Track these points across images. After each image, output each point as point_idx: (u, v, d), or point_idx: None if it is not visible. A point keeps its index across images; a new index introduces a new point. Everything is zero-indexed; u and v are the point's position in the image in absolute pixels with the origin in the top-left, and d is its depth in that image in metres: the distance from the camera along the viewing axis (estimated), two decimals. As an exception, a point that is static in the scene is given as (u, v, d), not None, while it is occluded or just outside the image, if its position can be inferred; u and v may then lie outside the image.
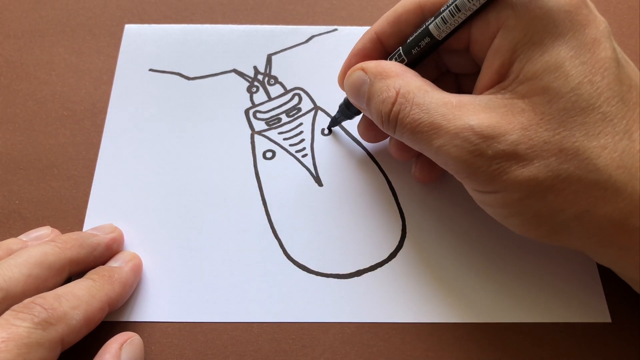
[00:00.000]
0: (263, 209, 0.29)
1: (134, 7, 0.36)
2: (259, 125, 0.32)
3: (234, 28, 0.35)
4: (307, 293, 0.27)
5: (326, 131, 0.32)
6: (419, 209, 0.29)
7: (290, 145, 0.31)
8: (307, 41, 0.35)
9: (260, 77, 0.33)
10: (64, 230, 0.28)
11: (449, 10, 0.23)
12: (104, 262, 0.26)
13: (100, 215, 0.29)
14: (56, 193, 0.29)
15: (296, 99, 0.33)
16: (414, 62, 0.25)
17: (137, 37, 0.35)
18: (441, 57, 0.27)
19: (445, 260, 0.27)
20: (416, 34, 0.24)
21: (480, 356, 0.25)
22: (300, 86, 0.33)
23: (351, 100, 0.27)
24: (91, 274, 0.25)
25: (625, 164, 0.20)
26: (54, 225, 0.28)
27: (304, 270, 0.27)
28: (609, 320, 0.26)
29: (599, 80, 0.20)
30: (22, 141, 0.31)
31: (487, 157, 0.21)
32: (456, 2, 0.22)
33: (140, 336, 0.25)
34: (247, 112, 0.32)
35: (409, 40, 0.25)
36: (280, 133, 0.31)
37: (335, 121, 0.31)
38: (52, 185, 0.30)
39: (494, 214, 0.23)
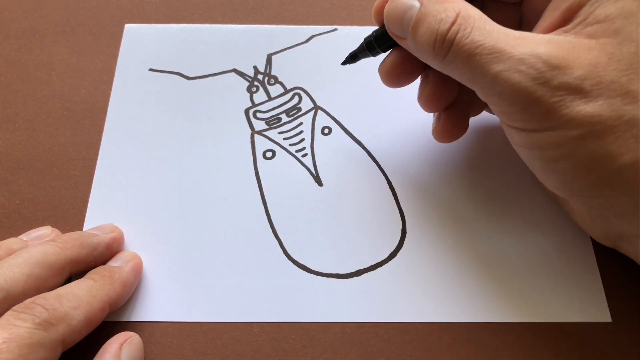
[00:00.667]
0: (263, 209, 0.29)
1: (134, 7, 0.36)
2: (259, 125, 0.32)
3: (234, 28, 0.35)
4: (307, 293, 0.27)
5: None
6: (419, 209, 0.29)
7: (290, 145, 0.31)
8: (307, 41, 0.35)
9: (260, 76, 0.33)
10: (64, 230, 0.28)
11: None
12: (104, 262, 0.26)
13: (100, 215, 0.29)
14: (56, 193, 0.29)
15: (296, 98, 0.33)
16: None
17: (137, 36, 0.35)
18: (484, 9, 0.25)
19: (446, 260, 0.27)
20: None
21: (480, 356, 0.25)
22: (300, 86, 0.33)
23: (391, 27, 0.25)
24: (92, 274, 0.25)
25: None
26: (54, 225, 0.28)
27: (304, 270, 0.27)
28: (609, 320, 0.26)
29: None
30: (22, 141, 0.31)
31: (551, 86, 0.20)
32: None
33: (141, 336, 0.25)
34: (247, 111, 0.32)
35: None
36: (280, 133, 0.31)
37: (354, 56, 0.28)
38: (52, 185, 0.30)
39: (540, 158, 0.22)
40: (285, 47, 0.34)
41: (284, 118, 0.32)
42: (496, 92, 0.22)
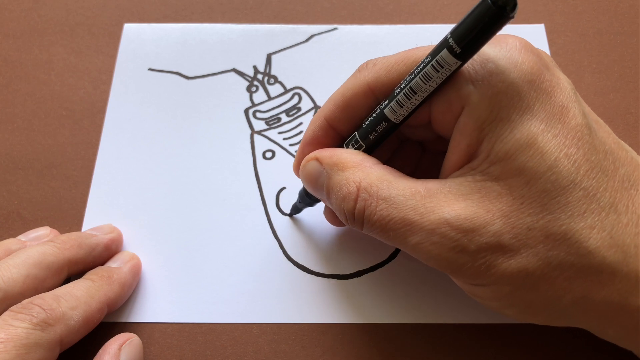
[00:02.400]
0: (263, 209, 0.29)
1: (133, 7, 0.36)
2: (259, 125, 0.32)
3: (234, 27, 0.35)
4: (307, 294, 0.26)
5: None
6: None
7: (290, 145, 0.31)
8: (307, 40, 0.34)
9: (260, 76, 0.33)
10: (62, 230, 0.28)
11: (404, 93, 0.21)
12: (102, 263, 0.26)
13: (99, 216, 0.29)
14: (55, 193, 0.29)
15: (296, 98, 0.33)
16: (373, 147, 0.23)
17: (136, 36, 0.34)
18: (400, 131, 0.25)
19: (446, 261, 0.27)
20: (371, 118, 0.22)
21: (480, 356, 0.25)
22: (300, 85, 0.33)
23: (310, 191, 0.25)
24: (90, 274, 0.25)
25: (616, 242, 0.19)
26: (52, 225, 0.28)
27: (303, 270, 0.27)
28: (610, 320, 0.26)
29: (574, 152, 0.19)
30: (21, 141, 0.31)
31: (470, 252, 0.19)
32: (410, 84, 0.20)
33: (140, 337, 0.25)
34: (246, 111, 0.32)
35: (364, 125, 0.23)
36: (280, 133, 0.31)
37: (296, 209, 0.28)
38: (51, 185, 0.30)
39: (486, 305, 0.22)
40: (285, 46, 0.34)
41: (284, 118, 0.32)
42: (422, 259, 0.21)
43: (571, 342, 0.25)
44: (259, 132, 0.31)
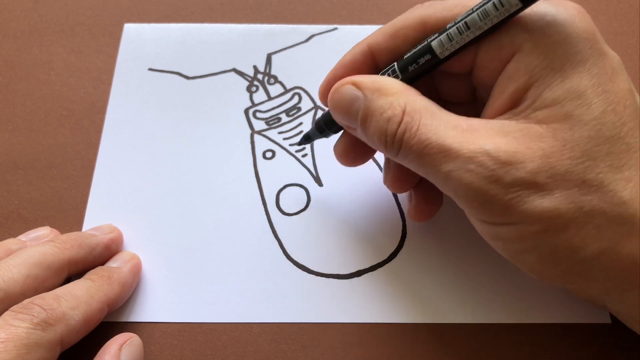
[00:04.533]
0: (263, 209, 0.29)
1: (133, 6, 0.36)
2: (259, 125, 0.32)
3: (234, 27, 0.35)
4: (307, 293, 0.27)
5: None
6: (419, 209, 0.29)
7: (291, 145, 0.31)
8: (307, 40, 0.34)
9: (260, 76, 0.33)
10: (63, 230, 0.28)
11: (457, 28, 0.21)
12: (103, 263, 0.26)
13: (99, 215, 0.29)
14: (55, 193, 0.29)
15: (296, 98, 0.33)
16: (409, 81, 0.23)
17: (136, 36, 0.34)
18: (434, 81, 0.25)
19: (446, 261, 0.27)
20: (416, 49, 0.22)
21: (481, 357, 0.25)
22: (300, 85, 0.33)
23: (337, 117, 0.24)
24: (90, 274, 0.25)
25: None
26: (53, 225, 0.28)
27: (304, 270, 0.27)
28: (608, 321, 0.26)
29: (621, 110, 0.19)
30: (21, 141, 0.31)
31: (504, 184, 0.19)
32: (466, 19, 0.21)
33: (140, 337, 0.25)
34: (246, 111, 0.32)
35: (406, 56, 0.23)
36: (280, 133, 0.31)
37: (308, 138, 0.28)
38: (51, 185, 0.30)
39: (505, 250, 0.22)
40: (285, 46, 0.34)
41: (284, 118, 0.32)
42: (450, 190, 0.21)
43: (571, 342, 0.25)
44: (259, 132, 0.31)
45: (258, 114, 0.32)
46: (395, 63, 0.23)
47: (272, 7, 0.36)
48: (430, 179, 0.22)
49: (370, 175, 0.30)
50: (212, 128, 0.31)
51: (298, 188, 0.30)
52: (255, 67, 0.33)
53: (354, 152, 0.26)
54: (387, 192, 0.29)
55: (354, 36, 0.34)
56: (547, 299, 0.26)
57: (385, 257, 0.27)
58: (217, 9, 0.36)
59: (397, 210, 0.29)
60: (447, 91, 0.25)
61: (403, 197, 0.29)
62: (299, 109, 0.32)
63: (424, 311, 0.26)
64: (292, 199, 0.29)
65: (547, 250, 0.20)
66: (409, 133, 0.21)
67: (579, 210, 0.19)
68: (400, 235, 0.28)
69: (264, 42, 0.34)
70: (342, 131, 0.26)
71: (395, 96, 0.22)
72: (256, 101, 0.32)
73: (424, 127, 0.21)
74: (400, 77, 0.23)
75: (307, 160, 0.30)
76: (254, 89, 0.33)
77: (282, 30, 0.35)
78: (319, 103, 0.32)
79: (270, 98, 0.32)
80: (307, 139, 0.28)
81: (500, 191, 0.19)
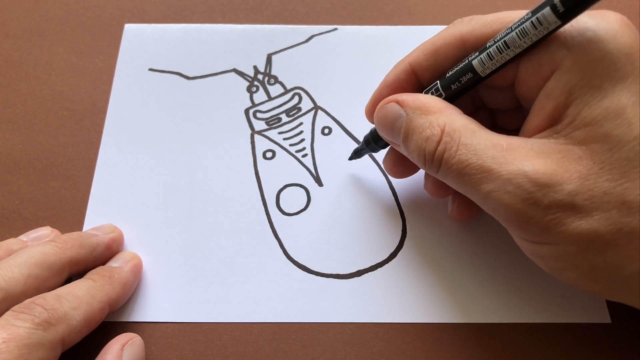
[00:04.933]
0: (263, 209, 0.29)
1: (134, 7, 0.36)
2: (259, 125, 0.32)
3: (234, 27, 0.35)
4: (307, 293, 0.27)
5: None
6: (419, 209, 0.29)
7: (290, 145, 0.31)
8: (307, 41, 0.34)
9: (260, 76, 0.33)
10: (63, 230, 0.28)
11: (497, 46, 0.21)
12: (103, 262, 0.26)
13: (100, 215, 0.29)
14: (56, 193, 0.29)
15: (296, 98, 0.33)
16: (452, 98, 0.23)
17: (136, 36, 0.34)
18: (479, 92, 0.26)
19: (446, 261, 0.27)
20: (457, 68, 0.23)
21: (480, 357, 0.25)
22: (300, 86, 0.33)
23: (382, 134, 0.25)
24: (91, 274, 0.25)
25: None
26: (53, 225, 0.28)
27: (304, 270, 0.27)
28: (608, 320, 0.26)
29: None
30: (22, 141, 0.31)
31: (542, 206, 0.19)
32: (505, 38, 0.21)
33: (141, 336, 0.25)
34: (247, 111, 0.32)
35: (448, 74, 0.23)
36: (280, 133, 0.31)
37: (358, 153, 0.29)
38: (51, 185, 0.30)
39: (546, 267, 0.22)
40: (285, 46, 0.34)
41: (284, 118, 0.32)
42: (490, 209, 0.21)
43: (571, 342, 0.25)
44: (259, 132, 0.31)
45: (258, 114, 0.32)
46: (438, 81, 0.24)
47: (272, 7, 0.36)
48: (471, 197, 0.22)
49: (370, 175, 0.30)
50: (212, 128, 0.31)
51: (298, 188, 0.30)
52: (255, 68, 0.34)
53: (402, 166, 0.27)
54: (387, 192, 0.29)
55: (354, 36, 0.34)
56: (547, 299, 0.26)
57: (385, 257, 0.27)
58: (217, 9, 0.36)
59: (397, 210, 0.29)
60: (492, 101, 0.26)
61: (403, 197, 0.29)
62: (299, 109, 0.32)
63: (424, 311, 0.26)
64: (292, 199, 0.29)
65: (587, 268, 0.20)
66: (448, 153, 0.21)
67: (618, 232, 0.19)
68: (400, 235, 0.28)
69: (264, 42, 0.34)
70: (389, 146, 0.27)
71: (435, 115, 0.22)
72: (256, 101, 0.32)
73: (463, 147, 0.21)
74: (443, 95, 0.23)
75: (307, 160, 0.30)
76: (254, 89, 0.33)
77: (282, 31, 0.35)
78: (319, 103, 0.32)
79: (270, 98, 0.33)
80: (357, 153, 0.29)
81: (538, 213, 0.20)
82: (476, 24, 0.23)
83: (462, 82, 0.23)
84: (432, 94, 0.24)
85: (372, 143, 0.27)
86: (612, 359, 0.25)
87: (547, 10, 0.19)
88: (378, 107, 0.25)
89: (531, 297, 0.26)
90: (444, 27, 0.34)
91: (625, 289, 0.20)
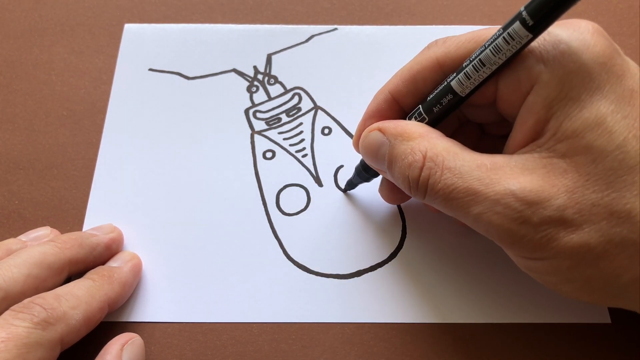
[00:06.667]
0: (263, 209, 0.29)
1: (134, 7, 0.36)
2: (259, 125, 0.32)
3: (234, 27, 0.35)
4: (307, 293, 0.27)
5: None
6: (419, 209, 0.29)
7: (290, 145, 0.31)
8: (307, 40, 0.34)
9: (260, 76, 0.33)
10: (63, 230, 0.28)
11: (473, 65, 0.21)
12: (103, 262, 0.26)
13: (99, 215, 0.29)
14: (56, 193, 0.29)
15: (296, 98, 0.33)
16: (436, 121, 0.23)
17: (136, 36, 0.34)
18: (462, 110, 0.26)
19: (446, 261, 0.27)
20: (437, 91, 0.23)
21: (480, 356, 0.25)
22: (300, 86, 0.33)
23: (369, 162, 0.25)
24: (91, 274, 0.25)
25: None
26: (53, 225, 0.28)
27: (304, 270, 0.27)
28: (608, 321, 0.26)
29: None
30: (22, 141, 0.31)
31: (532, 224, 0.19)
32: (480, 56, 0.21)
33: (140, 336, 0.25)
34: (247, 111, 0.32)
35: (429, 98, 0.23)
36: (280, 133, 0.31)
37: (351, 184, 0.29)
38: (51, 185, 0.30)
39: (541, 280, 0.22)
40: (285, 46, 0.34)
41: (284, 118, 0.32)
42: (481, 230, 0.21)
43: (571, 342, 0.25)
44: (259, 132, 0.31)
45: (258, 114, 0.32)
46: (420, 106, 0.24)
47: (272, 7, 0.36)
48: (461, 219, 0.22)
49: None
50: (212, 128, 0.31)
51: (298, 188, 0.30)
52: (255, 68, 0.34)
53: (398, 192, 0.27)
54: (387, 192, 0.29)
55: (354, 36, 0.34)
56: (547, 299, 0.26)
57: (385, 257, 0.27)
58: (217, 9, 0.36)
59: (397, 210, 0.29)
60: (477, 117, 0.26)
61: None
62: (299, 109, 0.32)
63: (424, 311, 0.26)
64: (292, 199, 0.29)
65: (582, 281, 0.20)
66: (433, 178, 0.21)
67: (609, 243, 0.19)
68: (400, 235, 0.28)
69: (264, 42, 0.34)
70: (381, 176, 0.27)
71: (416, 141, 0.22)
72: (256, 101, 0.32)
73: (447, 170, 0.21)
74: (426, 119, 0.23)
75: (307, 161, 0.30)
76: (254, 89, 0.33)
77: (282, 31, 0.35)
78: (319, 103, 0.32)
79: (270, 98, 0.33)
80: (351, 184, 0.29)
81: (529, 231, 0.20)
82: (450, 46, 0.23)
83: (444, 104, 0.23)
84: (415, 118, 0.24)
85: (363, 173, 0.27)
86: (612, 359, 0.25)
87: (517, 24, 0.19)
88: (362, 135, 0.25)
89: (531, 297, 0.26)
90: (444, 27, 0.34)
91: (622, 297, 0.20)
